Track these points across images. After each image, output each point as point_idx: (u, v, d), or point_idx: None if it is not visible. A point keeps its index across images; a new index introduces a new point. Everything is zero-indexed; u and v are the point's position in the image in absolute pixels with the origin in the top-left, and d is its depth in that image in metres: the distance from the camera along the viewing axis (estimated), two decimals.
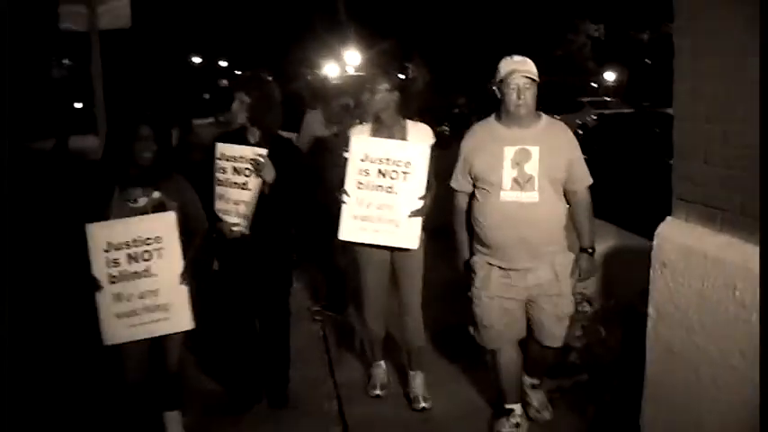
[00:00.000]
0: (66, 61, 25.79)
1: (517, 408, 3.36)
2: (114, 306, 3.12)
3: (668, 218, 2.76)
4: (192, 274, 3.24)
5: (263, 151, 3.46)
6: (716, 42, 2.47)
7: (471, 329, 3.34)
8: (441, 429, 3.51)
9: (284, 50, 26.80)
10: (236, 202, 3.52)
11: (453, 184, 3.31)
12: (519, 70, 3.04)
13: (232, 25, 29.02)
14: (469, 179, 3.23)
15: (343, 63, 25.17)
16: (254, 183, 3.49)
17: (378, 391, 3.83)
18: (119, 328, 3.13)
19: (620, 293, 3.70)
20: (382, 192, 3.44)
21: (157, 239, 3.12)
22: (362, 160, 3.45)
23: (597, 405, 3.37)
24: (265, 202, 3.51)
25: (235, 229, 3.52)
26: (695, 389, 2.53)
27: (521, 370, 3.40)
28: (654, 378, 2.77)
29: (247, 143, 3.56)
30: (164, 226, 3.13)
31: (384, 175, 3.43)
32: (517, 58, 3.10)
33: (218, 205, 3.56)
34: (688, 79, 2.65)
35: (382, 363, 3.91)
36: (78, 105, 23.85)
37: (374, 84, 3.53)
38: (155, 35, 19.54)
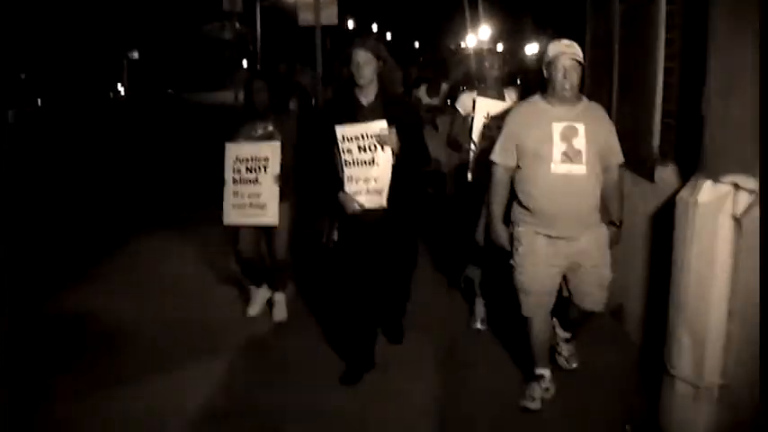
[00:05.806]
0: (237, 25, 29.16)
1: (546, 373, 3.47)
2: (233, 199, 4.28)
3: None
4: (283, 182, 4.22)
5: (383, 123, 3.45)
6: None
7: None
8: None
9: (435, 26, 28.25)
10: (367, 180, 3.53)
11: (496, 158, 3.37)
12: (566, 53, 3.15)
13: None
14: (514, 154, 3.31)
15: (476, 36, 26.22)
16: (382, 156, 3.51)
17: (479, 325, 4.34)
18: (234, 214, 4.31)
19: None
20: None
21: (265, 159, 4.21)
22: (485, 117, 4.11)
23: None
24: (395, 171, 3.52)
25: (368, 206, 3.54)
26: None
27: (551, 336, 3.56)
28: None
29: (359, 104, 3.54)
30: (270, 150, 4.23)
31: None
32: (565, 41, 3.20)
33: (349, 188, 3.54)
34: None
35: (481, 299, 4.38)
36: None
37: (491, 56, 4.39)
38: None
